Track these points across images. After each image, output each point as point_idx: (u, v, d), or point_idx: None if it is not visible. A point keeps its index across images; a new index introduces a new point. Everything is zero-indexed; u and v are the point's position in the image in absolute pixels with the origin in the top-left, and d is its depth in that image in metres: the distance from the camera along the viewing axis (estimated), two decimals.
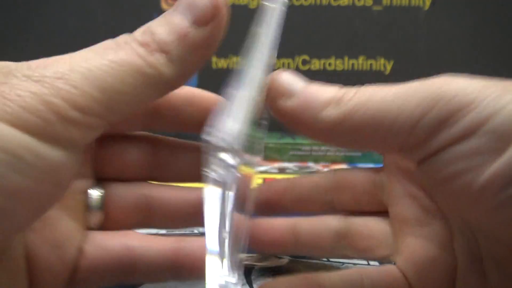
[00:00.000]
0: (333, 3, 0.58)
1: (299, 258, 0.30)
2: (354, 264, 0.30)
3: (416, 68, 0.59)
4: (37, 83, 0.15)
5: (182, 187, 0.24)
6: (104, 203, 0.23)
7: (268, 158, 0.56)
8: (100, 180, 0.23)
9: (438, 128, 0.17)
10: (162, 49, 0.17)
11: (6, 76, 0.15)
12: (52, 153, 0.15)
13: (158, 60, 0.17)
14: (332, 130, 0.18)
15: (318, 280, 0.22)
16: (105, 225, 0.23)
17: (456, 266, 0.21)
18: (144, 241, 0.22)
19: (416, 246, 0.22)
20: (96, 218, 0.23)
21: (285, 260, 0.30)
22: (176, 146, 0.24)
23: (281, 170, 0.52)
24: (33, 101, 0.15)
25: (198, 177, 0.19)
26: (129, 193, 0.23)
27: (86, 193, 0.23)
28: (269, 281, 0.24)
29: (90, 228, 0.23)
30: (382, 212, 0.24)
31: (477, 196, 0.16)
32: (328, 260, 0.30)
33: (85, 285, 0.22)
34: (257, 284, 0.27)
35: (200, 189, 0.20)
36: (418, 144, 0.17)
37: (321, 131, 0.19)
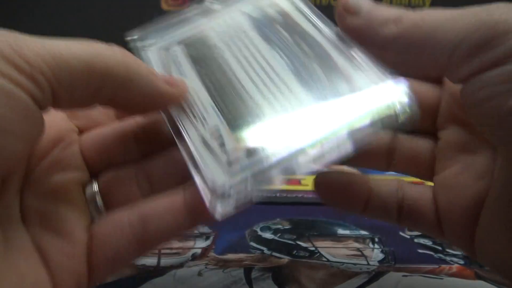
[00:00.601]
0: (333, 3, 0.58)
1: (299, 258, 0.30)
2: (354, 264, 0.30)
3: None
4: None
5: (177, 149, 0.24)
6: (102, 192, 0.23)
7: None
8: (95, 172, 0.23)
9: (477, 51, 0.18)
10: None
11: None
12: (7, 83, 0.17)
13: None
14: (390, 44, 0.21)
15: (367, 179, 0.25)
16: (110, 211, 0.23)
17: (485, 198, 0.22)
18: (152, 202, 0.22)
19: (454, 170, 0.23)
20: (96, 210, 0.23)
21: (285, 260, 0.30)
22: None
23: None
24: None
25: None
26: (127, 174, 0.23)
27: (83, 186, 0.23)
28: (323, 172, 0.25)
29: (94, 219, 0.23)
30: (431, 133, 0.25)
31: (503, 120, 0.18)
32: (328, 261, 0.30)
33: (105, 264, 0.22)
34: (257, 284, 0.27)
35: None
36: (459, 63, 0.19)
37: (380, 45, 0.21)
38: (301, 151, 0.20)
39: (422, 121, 0.25)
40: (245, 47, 0.25)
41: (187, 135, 0.22)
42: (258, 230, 0.35)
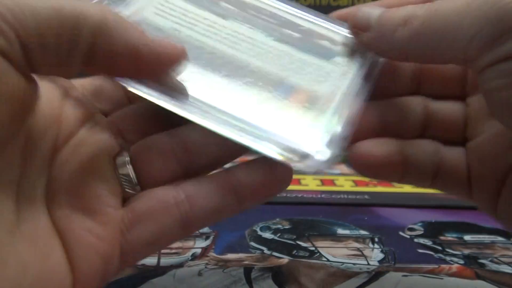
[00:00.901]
0: (333, 3, 0.58)
1: (299, 258, 0.30)
2: (354, 264, 0.30)
3: None
4: None
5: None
6: (134, 163, 0.22)
7: None
8: (127, 144, 0.22)
9: (493, 43, 0.19)
10: None
11: None
12: None
13: None
14: (406, 48, 0.21)
15: (402, 147, 0.24)
16: (144, 187, 0.22)
17: None
18: (196, 180, 0.22)
19: (486, 137, 0.23)
20: (129, 183, 0.22)
21: (285, 260, 0.30)
22: None
23: None
24: None
25: None
26: (160, 141, 0.22)
27: (114, 158, 0.22)
28: (357, 144, 0.24)
29: (128, 194, 0.22)
30: (462, 98, 0.25)
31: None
32: (328, 260, 0.30)
33: (144, 244, 0.21)
34: (257, 284, 0.27)
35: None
36: (476, 55, 0.19)
37: (398, 49, 0.22)
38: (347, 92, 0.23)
39: (451, 87, 0.25)
40: (209, 26, 0.24)
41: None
42: (258, 230, 0.35)
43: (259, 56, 0.24)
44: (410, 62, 0.24)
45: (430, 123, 0.25)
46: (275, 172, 0.21)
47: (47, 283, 0.19)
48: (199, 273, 0.28)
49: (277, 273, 0.28)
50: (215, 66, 0.23)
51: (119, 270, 0.21)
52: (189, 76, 0.22)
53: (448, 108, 0.25)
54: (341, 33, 0.25)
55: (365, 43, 0.24)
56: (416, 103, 0.25)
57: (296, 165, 0.20)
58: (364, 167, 0.24)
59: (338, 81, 0.24)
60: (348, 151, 0.24)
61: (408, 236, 0.35)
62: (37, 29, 0.17)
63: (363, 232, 0.35)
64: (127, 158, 0.22)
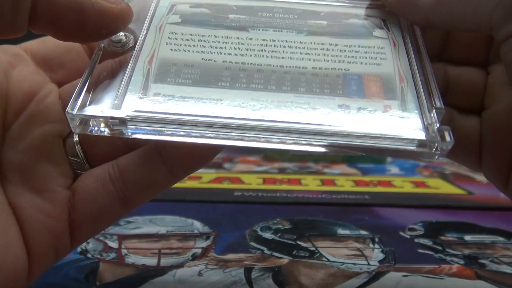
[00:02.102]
0: None
1: (299, 258, 0.30)
2: (354, 264, 0.30)
3: None
4: None
5: None
6: (84, 143, 0.22)
7: (268, 158, 0.56)
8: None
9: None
10: None
11: None
12: None
13: None
14: (430, 14, 0.22)
15: None
16: (93, 167, 0.22)
17: None
18: (130, 154, 0.22)
19: (502, 107, 0.23)
20: (77, 163, 0.22)
21: (285, 260, 0.30)
22: None
23: (281, 170, 0.52)
24: None
25: None
26: None
27: (64, 139, 0.22)
28: None
29: (77, 172, 0.22)
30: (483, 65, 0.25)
31: None
32: (328, 261, 0.30)
33: (89, 222, 0.22)
34: (257, 284, 0.27)
35: None
36: (499, 24, 0.19)
37: (422, 14, 0.22)
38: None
39: (475, 53, 0.25)
40: (237, 43, 0.23)
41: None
42: (258, 230, 0.35)
43: (307, 56, 0.22)
44: (434, 28, 0.23)
45: (448, 88, 0.25)
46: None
47: (5, 257, 0.19)
48: (199, 273, 0.28)
49: (277, 273, 0.28)
50: (275, 83, 0.21)
51: (71, 248, 0.22)
52: (259, 102, 0.20)
53: (468, 74, 0.25)
54: (360, 6, 0.25)
55: (389, 5, 0.24)
56: (436, 69, 0.24)
57: (435, 153, 0.20)
58: None
59: (395, 55, 0.23)
60: None
61: (409, 236, 0.35)
62: None
63: (363, 232, 0.35)
64: (76, 139, 0.22)
